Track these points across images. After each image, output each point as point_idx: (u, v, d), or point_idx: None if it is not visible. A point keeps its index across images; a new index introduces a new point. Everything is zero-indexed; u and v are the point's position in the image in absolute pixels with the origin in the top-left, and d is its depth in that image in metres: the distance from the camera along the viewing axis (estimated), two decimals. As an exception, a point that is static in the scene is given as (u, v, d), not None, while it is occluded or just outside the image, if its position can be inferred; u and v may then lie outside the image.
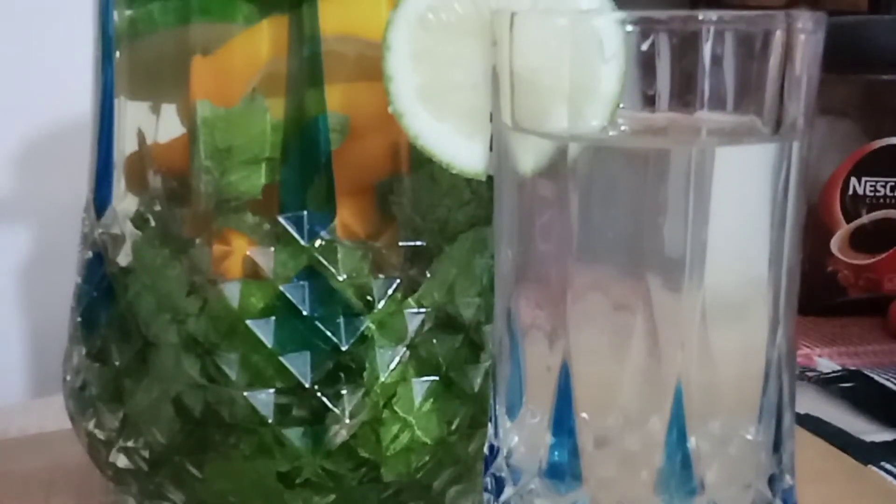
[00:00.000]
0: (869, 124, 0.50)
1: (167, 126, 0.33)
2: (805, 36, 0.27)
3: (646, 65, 0.27)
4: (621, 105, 0.28)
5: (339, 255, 0.32)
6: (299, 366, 0.31)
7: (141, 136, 0.33)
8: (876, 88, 0.50)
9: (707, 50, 0.26)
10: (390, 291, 0.32)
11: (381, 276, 0.32)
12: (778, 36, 0.26)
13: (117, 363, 0.33)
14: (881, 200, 0.51)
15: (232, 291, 0.31)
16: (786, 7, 0.65)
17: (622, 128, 0.29)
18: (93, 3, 0.34)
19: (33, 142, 0.56)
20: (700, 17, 0.25)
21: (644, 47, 0.26)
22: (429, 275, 0.33)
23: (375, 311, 0.32)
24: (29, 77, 0.54)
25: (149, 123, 0.34)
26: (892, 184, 0.51)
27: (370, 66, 0.30)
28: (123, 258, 0.33)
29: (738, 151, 0.27)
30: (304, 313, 0.31)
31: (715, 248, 0.27)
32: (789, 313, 0.29)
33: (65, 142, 0.54)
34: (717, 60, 0.26)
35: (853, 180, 0.51)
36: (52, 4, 0.53)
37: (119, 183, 0.34)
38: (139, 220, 0.33)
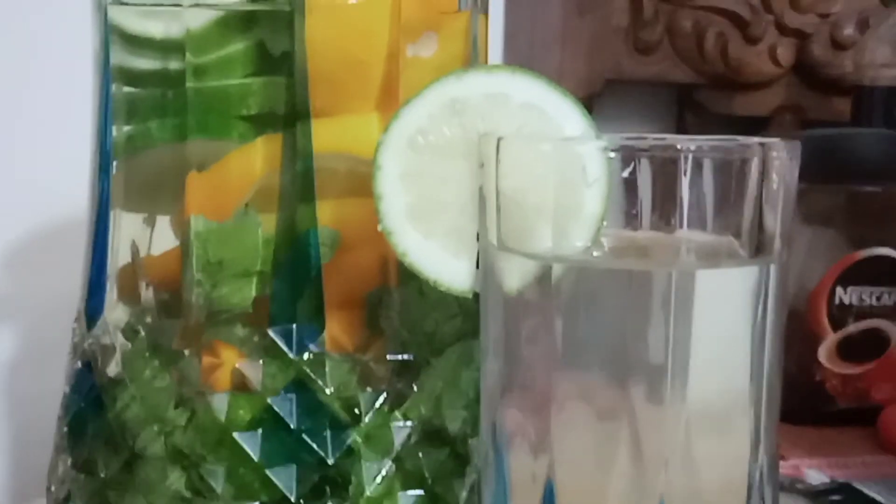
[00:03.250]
0: (854, 234, 0.51)
1: (160, 239, 0.34)
2: (780, 163, 0.27)
3: (628, 187, 0.27)
4: (604, 222, 0.29)
5: (327, 368, 0.32)
6: (285, 479, 0.31)
7: (134, 249, 0.34)
8: (859, 199, 0.51)
9: (686, 176, 0.26)
10: (377, 404, 0.32)
11: (368, 388, 0.32)
12: (754, 164, 0.27)
13: (103, 474, 0.33)
14: (867, 310, 0.52)
15: (220, 403, 0.32)
16: (773, 113, 0.66)
17: (605, 245, 0.29)
18: (91, 116, 0.35)
19: (21, 243, 0.56)
20: (678, 146, 0.26)
21: (626, 174, 0.27)
22: (416, 388, 0.33)
23: (362, 424, 0.32)
24: (20, 179, 0.55)
25: (143, 236, 0.34)
26: (878, 293, 0.52)
27: (360, 182, 0.31)
28: (113, 369, 0.33)
29: (718, 274, 0.28)
30: (292, 426, 0.32)
31: (697, 364, 0.28)
32: (771, 428, 0.29)
33: (52, 244, 0.55)
34: (695, 186, 0.27)
35: (839, 289, 0.52)
36: (50, 109, 0.54)
37: (111, 294, 0.34)
38: (130, 332, 0.33)
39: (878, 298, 0.52)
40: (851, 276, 0.52)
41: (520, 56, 0.64)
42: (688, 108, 0.68)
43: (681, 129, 0.68)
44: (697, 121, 0.67)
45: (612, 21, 0.62)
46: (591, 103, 0.62)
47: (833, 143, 0.53)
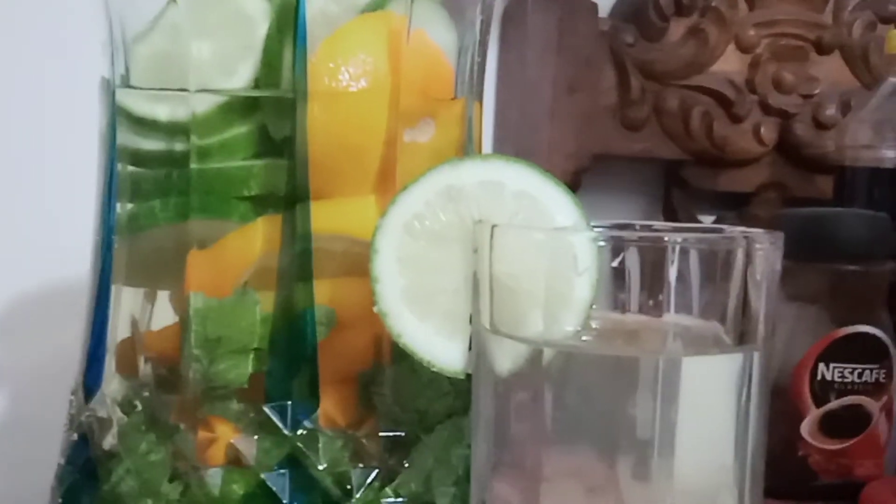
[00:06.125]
0: (835, 312, 0.52)
1: (160, 314, 0.35)
2: (763, 253, 0.28)
3: (617, 274, 0.28)
4: (594, 306, 0.30)
5: (321, 445, 0.32)
6: (277, 555, 0.32)
7: (134, 323, 0.35)
8: (842, 278, 0.52)
9: (673, 266, 0.27)
10: (369, 480, 0.33)
11: (360, 465, 0.33)
12: (738, 255, 0.28)
13: (96, 547, 0.33)
14: (849, 386, 0.52)
15: (214, 478, 0.32)
16: (756, 190, 0.68)
17: (594, 328, 0.30)
18: (96, 194, 0.36)
19: (14, 309, 0.56)
20: (666, 239, 0.27)
21: (615, 263, 0.28)
22: (407, 464, 0.33)
23: (354, 500, 0.32)
24: (19, 246, 0.56)
25: (142, 311, 0.35)
26: (860, 370, 0.53)
27: (357, 263, 0.32)
28: (109, 442, 0.34)
29: (703, 361, 0.29)
30: (285, 501, 0.32)
31: (682, 444, 0.28)
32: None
33: (45, 311, 0.55)
34: (682, 274, 0.28)
35: (821, 366, 0.52)
36: (54, 184, 0.55)
37: (110, 367, 0.35)
38: (127, 405, 0.34)
39: (860, 375, 0.52)
40: (834, 352, 0.52)
41: (510, 132, 0.65)
42: (674, 184, 0.69)
43: (667, 205, 0.70)
44: (683, 196, 0.69)
45: (601, 99, 0.64)
46: (579, 178, 0.63)
47: (817, 222, 0.54)
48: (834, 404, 0.52)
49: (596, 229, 0.30)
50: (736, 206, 0.69)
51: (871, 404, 0.52)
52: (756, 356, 0.29)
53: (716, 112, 0.66)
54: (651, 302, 0.29)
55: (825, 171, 0.65)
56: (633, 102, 0.64)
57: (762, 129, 0.66)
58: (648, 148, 0.66)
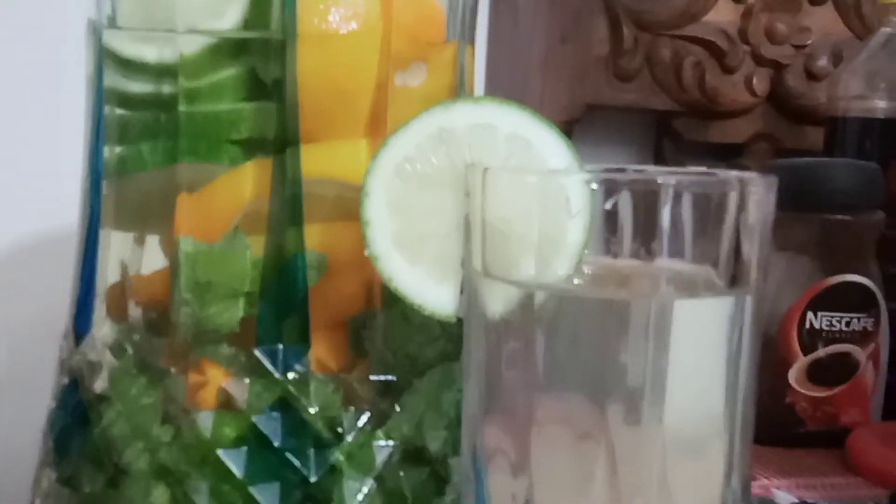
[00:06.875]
0: (825, 261, 0.52)
1: (150, 258, 0.34)
2: (757, 197, 0.28)
3: (610, 217, 0.28)
4: (586, 251, 0.30)
5: (312, 388, 0.33)
6: (268, 497, 0.32)
7: (124, 268, 0.34)
8: (831, 228, 0.52)
9: (666, 208, 0.27)
10: (360, 424, 0.33)
11: (351, 408, 0.33)
12: (732, 198, 0.28)
13: (87, 490, 0.33)
14: (837, 335, 0.53)
15: (205, 421, 0.32)
16: (748, 141, 0.68)
17: (586, 272, 0.30)
18: (84, 137, 0.35)
19: (6, 258, 0.56)
20: (659, 180, 0.27)
21: (608, 205, 0.28)
22: (398, 408, 0.34)
23: (345, 443, 0.33)
24: (7, 194, 0.55)
25: (132, 255, 0.35)
26: (848, 319, 0.53)
27: (348, 207, 0.31)
28: (100, 385, 0.34)
29: (695, 304, 0.29)
30: (276, 444, 0.32)
31: (673, 389, 0.28)
32: (744, 453, 0.30)
33: (37, 260, 0.55)
34: (675, 217, 0.28)
35: (810, 314, 0.53)
36: (41, 128, 0.54)
37: (99, 311, 0.35)
38: (117, 349, 0.34)
39: (848, 324, 0.53)
40: (822, 301, 0.53)
41: (502, 82, 0.65)
42: (665, 135, 0.69)
43: (658, 156, 0.69)
44: (674, 147, 0.68)
45: (593, 50, 0.63)
46: (571, 129, 0.63)
47: (806, 172, 0.54)
48: (822, 352, 0.53)
49: (589, 171, 0.30)
50: (727, 158, 0.68)
51: (859, 352, 0.53)
52: (748, 300, 0.29)
53: (708, 63, 0.65)
54: (643, 246, 0.29)
55: (816, 122, 0.65)
56: (625, 53, 0.64)
57: (754, 80, 0.66)
58: (640, 99, 0.65)
